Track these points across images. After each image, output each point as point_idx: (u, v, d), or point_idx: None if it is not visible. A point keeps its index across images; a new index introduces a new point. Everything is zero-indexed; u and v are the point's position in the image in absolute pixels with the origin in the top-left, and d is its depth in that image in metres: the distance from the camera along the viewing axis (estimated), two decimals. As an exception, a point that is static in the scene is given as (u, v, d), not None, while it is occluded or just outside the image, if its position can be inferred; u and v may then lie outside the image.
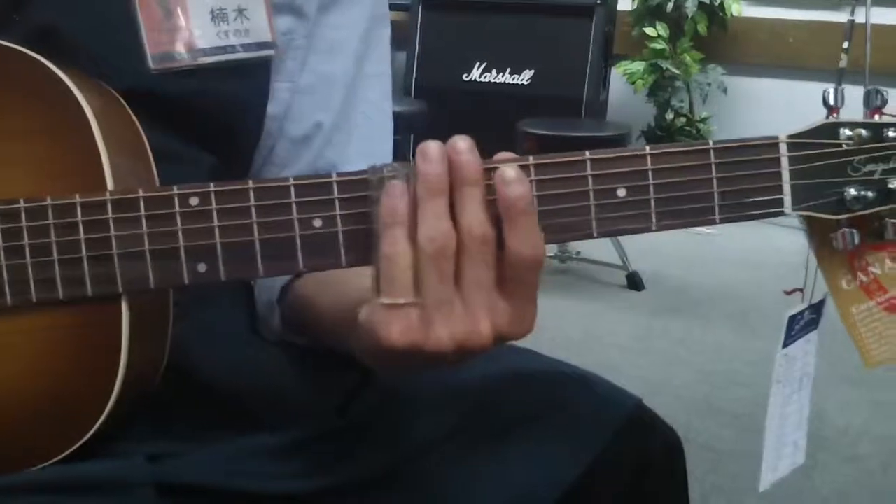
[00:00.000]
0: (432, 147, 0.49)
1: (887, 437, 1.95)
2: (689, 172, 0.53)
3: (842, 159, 0.55)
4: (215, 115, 0.66)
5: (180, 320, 0.60)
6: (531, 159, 0.51)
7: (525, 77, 3.43)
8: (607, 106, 3.55)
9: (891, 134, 0.56)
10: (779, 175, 0.54)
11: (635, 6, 3.51)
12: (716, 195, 0.53)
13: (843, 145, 0.55)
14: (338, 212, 0.52)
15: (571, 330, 2.55)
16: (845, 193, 0.55)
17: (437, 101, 3.14)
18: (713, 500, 1.70)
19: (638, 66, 3.42)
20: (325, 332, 0.65)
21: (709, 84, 3.43)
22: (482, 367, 0.70)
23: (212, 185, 0.53)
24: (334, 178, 0.52)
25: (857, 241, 0.57)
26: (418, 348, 0.48)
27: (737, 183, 0.53)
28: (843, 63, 3.26)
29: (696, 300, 2.78)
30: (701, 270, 3.07)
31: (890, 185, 0.56)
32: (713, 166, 0.53)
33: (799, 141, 0.54)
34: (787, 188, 0.54)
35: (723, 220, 0.54)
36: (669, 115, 3.54)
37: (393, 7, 3.22)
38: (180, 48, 0.63)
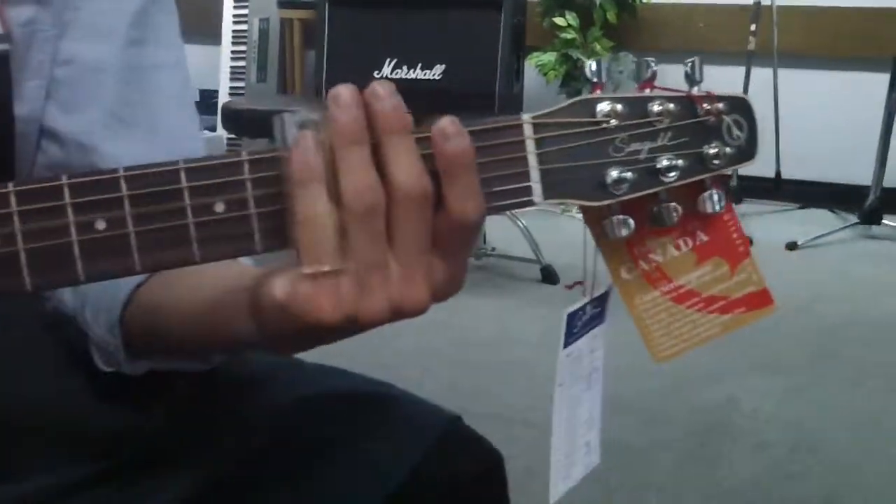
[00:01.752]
0: (345, 91, 0.43)
1: (795, 422, 1.92)
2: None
3: (600, 139, 0.49)
4: None
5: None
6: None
7: (436, 72, 3.36)
8: (522, 99, 3.50)
9: (656, 108, 0.50)
10: (524, 160, 0.47)
11: (544, -3, 3.47)
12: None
13: (602, 123, 0.49)
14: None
15: (485, 328, 2.50)
16: (606, 176, 0.49)
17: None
18: (616, 498, 1.66)
19: (549, 56, 3.38)
20: (186, 338, 0.57)
21: (620, 72, 3.40)
22: (287, 389, 0.65)
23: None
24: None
25: (630, 227, 0.51)
26: (353, 319, 0.43)
27: (481, 171, 0.47)
28: (752, 46, 3.26)
29: (608, 292, 2.75)
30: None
31: (658, 165, 0.50)
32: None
33: (547, 121, 0.48)
34: (535, 175, 0.47)
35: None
36: (585, 105, 3.51)
37: (300, 5, 3.14)
38: None
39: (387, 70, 3.40)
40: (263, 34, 4.00)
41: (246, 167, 0.44)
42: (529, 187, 0.47)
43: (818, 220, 3.44)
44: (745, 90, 3.29)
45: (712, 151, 0.51)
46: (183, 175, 0.44)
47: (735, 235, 0.56)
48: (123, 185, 0.44)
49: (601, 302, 0.58)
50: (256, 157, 0.45)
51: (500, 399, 2.02)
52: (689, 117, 0.51)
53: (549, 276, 2.80)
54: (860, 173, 3.33)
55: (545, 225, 3.28)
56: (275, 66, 3.99)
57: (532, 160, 0.47)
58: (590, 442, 0.61)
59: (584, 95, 0.49)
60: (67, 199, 0.43)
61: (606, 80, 0.52)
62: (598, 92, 0.50)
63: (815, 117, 3.53)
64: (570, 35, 3.36)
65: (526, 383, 2.03)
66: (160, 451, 0.62)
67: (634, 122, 0.50)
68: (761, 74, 3.32)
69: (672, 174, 0.50)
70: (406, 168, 0.43)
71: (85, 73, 0.65)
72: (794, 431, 1.88)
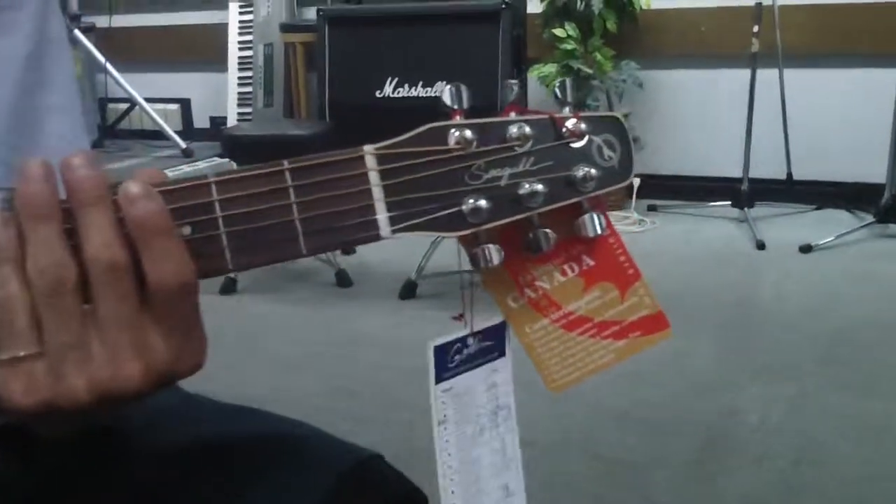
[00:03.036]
0: (32, 165, 0.41)
1: (800, 433, 1.87)
2: (264, 199, 0.45)
3: (454, 167, 0.47)
4: None
5: None
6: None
7: (438, 89, 3.36)
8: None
9: (514, 132, 0.48)
10: (369, 193, 0.45)
11: (543, 8, 3.45)
12: (298, 223, 0.45)
13: (454, 151, 0.47)
14: None
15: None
16: (463, 205, 0.47)
17: (352, 121, 3.07)
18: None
19: (550, 68, 3.36)
20: None
21: (623, 80, 3.37)
22: (183, 432, 0.63)
23: None
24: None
25: (500, 256, 0.49)
26: (50, 405, 0.40)
27: (321, 207, 0.45)
28: (755, 47, 3.21)
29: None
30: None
31: (520, 192, 0.48)
32: (291, 190, 0.45)
33: (393, 151, 0.46)
34: (380, 207, 0.45)
35: (311, 252, 0.46)
36: (590, 115, 3.47)
37: (302, 28, 3.16)
38: None
39: (388, 89, 3.41)
40: (268, 59, 4.03)
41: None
42: (375, 221, 0.45)
43: (834, 221, 3.37)
44: (752, 92, 3.23)
45: (580, 174, 0.48)
46: None
47: (623, 259, 0.54)
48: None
49: (493, 335, 0.56)
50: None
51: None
52: (552, 140, 0.49)
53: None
54: (875, 171, 3.26)
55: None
56: (281, 91, 4.01)
57: (377, 192, 0.45)
58: (508, 485, 0.58)
59: (435, 123, 0.47)
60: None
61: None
62: (458, 118, 0.48)
63: (825, 116, 3.46)
64: (570, 45, 3.34)
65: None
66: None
67: (492, 147, 0.47)
68: (767, 75, 3.27)
69: (536, 200, 0.48)
70: (94, 239, 0.40)
71: None
72: (799, 442, 1.82)
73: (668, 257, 3.08)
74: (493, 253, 0.49)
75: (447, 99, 0.49)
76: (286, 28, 3.86)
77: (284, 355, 2.41)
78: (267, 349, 2.47)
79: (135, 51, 4.50)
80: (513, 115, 0.49)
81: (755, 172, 3.32)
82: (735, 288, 2.79)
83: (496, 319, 0.55)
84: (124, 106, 4.36)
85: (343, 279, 2.83)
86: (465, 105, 0.49)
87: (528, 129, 0.48)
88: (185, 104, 4.62)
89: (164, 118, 4.31)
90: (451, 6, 3.32)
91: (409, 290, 2.72)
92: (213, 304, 2.69)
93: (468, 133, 0.47)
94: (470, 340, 0.54)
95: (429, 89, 3.37)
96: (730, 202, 3.39)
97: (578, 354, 0.55)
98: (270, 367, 2.34)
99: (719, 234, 3.32)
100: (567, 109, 0.50)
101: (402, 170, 0.46)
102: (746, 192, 3.32)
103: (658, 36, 3.56)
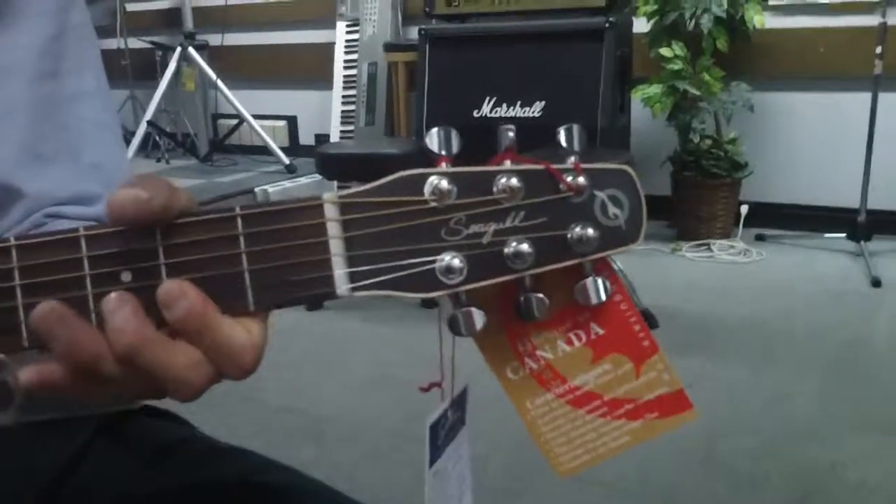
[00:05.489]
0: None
1: (908, 494, 1.70)
2: (212, 247, 0.41)
3: (428, 220, 0.41)
4: None
5: None
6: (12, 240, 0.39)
7: (536, 109, 3.30)
8: (629, 133, 3.37)
9: (501, 183, 0.42)
10: (325, 246, 0.40)
11: (650, 26, 3.33)
12: (246, 276, 0.40)
13: (430, 202, 0.41)
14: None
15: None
16: (436, 263, 0.41)
17: (449, 140, 3.04)
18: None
19: (655, 88, 3.23)
20: None
21: (733, 102, 3.21)
22: (170, 474, 0.61)
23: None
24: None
25: (480, 323, 0.43)
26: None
27: (273, 258, 0.40)
28: (878, 69, 3.00)
29: (714, 336, 2.56)
30: (725, 302, 2.84)
31: (506, 250, 0.42)
32: (241, 238, 0.41)
33: (358, 200, 0.41)
34: (338, 261, 0.40)
35: (259, 307, 0.41)
36: (695, 139, 3.33)
37: (404, 48, 3.16)
38: None
39: (486, 109, 3.37)
40: (371, 78, 4.06)
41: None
42: (330, 277, 0.40)
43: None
44: (872, 117, 3.02)
45: (576, 234, 0.42)
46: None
47: (637, 328, 0.47)
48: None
49: (461, 404, 0.50)
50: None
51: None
52: (547, 193, 0.42)
53: (647, 320, 2.63)
54: None
55: (644, 264, 3.13)
56: (382, 110, 4.04)
57: (335, 246, 0.40)
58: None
59: (411, 171, 0.42)
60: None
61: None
62: (443, 165, 0.43)
63: (958, 144, 3.20)
64: (677, 65, 3.21)
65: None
66: None
67: (474, 200, 0.42)
68: (890, 99, 3.05)
69: (523, 261, 0.42)
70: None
71: None
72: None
73: (775, 291, 2.90)
74: (476, 317, 0.43)
75: (432, 143, 0.43)
76: (390, 47, 3.88)
77: (361, 375, 2.39)
78: (345, 368, 2.46)
79: (245, 68, 4.63)
80: (508, 164, 0.44)
81: (874, 203, 3.10)
82: (846, 328, 2.60)
83: (461, 384, 0.50)
84: (234, 121, 4.49)
85: (429, 300, 2.78)
86: (454, 151, 0.43)
87: (516, 181, 0.42)
88: (292, 121, 4.72)
89: (271, 134, 4.41)
90: (554, 25, 3.25)
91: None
92: (300, 321, 2.71)
93: (444, 183, 0.41)
94: (449, 413, 0.48)
95: (527, 109, 3.31)
96: (845, 234, 3.17)
97: (588, 435, 0.48)
98: (346, 387, 2.32)
99: (832, 269, 3.11)
100: (572, 159, 0.44)
101: (367, 221, 0.41)
102: (864, 224, 3.10)
103: (772, 56, 3.38)
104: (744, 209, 3.38)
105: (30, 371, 0.39)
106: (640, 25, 3.37)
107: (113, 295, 0.39)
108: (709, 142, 3.33)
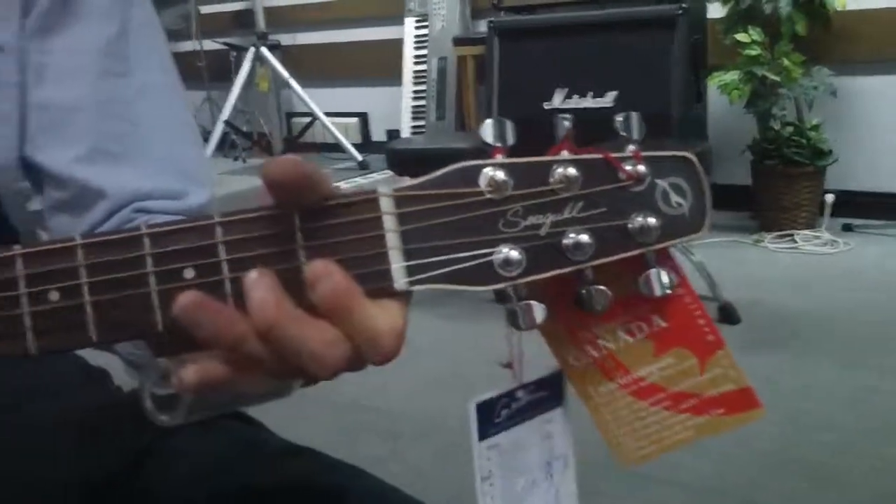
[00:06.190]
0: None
1: None
2: (271, 242, 0.41)
3: (485, 211, 0.41)
4: None
5: None
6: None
7: (609, 99, 3.24)
8: (706, 121, 3.29)
9: (558, 173, 0.41)
10: (382, 239, 0.40)
11: (726, 12, 3.24)
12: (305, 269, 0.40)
13: (486, 194, 0.41)
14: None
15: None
16: (494, 255, 0.41)
17: (520, 133, 3.03)
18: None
19: (732, 75, 3.15)
20: None
21: (815, 88, 3.10)
22: (235, 474, 0.62)
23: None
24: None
25: (541, 316, 0.42)
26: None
27: (331, 252, 0.40)
28: (971, 49, 2.86)
29: (798, 331, 2.48)
30: (811, 295, 2.74)
31: (565, 242, 0.41)
32: (298, 233, 0.41)
33: (414, 194, 0.41)
34: (395, 255, 0.40)
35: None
36: (776, 126, 3.23)
37: (473, 42, 3.16)
38: None
39: (557, 100, 3.33)
40: (441, 73, 4.06)
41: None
42: (388, 271, 0.40)
43: None
44: (965, 100, 2.88)
45: (638, 224, 0.41)
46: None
47: (702, 322, 0.45)
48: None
49: (548, 385, 0.49)
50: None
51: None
52: (605, 183, 0.41)
53: (728, 315, 2.57)
54: None
55: (725, 256, 3.05)
56: (453, 104, 4.04)
57: (392, 239, 0.40)
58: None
59: (466, 162, 0.41)
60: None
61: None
62: (499, 157, 0.42)
63: None
64: (754, 51, 3.11)
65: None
66: None
67: (532, 190, 0.41)
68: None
69: (583, 252, 0.41)
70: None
71: (62, 115, 0.64)
72: None
73: (862, 283, 2.79)
74: (535, 311, 0.42)
75: (486, 135, 0.43)
76: (459, 41, 3.88)
77: (432, 372, 2.40)
78: (416, 365, 2.47)
79: (317, 67, 4.69)
80: (564, 154, 0.43)
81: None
82: (936, 321, 2.49)
83: (550, 369, 0.49)
84: (307, 119, 4.55)
85: (502, 294, 2.77)
86: (509, 142, 0.43)
87: (573, 171, 0.41)
88: (363, 118, 4.76)
89: (344, 131, 4.46)
90: (624, 13, 3.19)
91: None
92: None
93: (500, 174, 0.40)
94: (519, 393, 0.48)
95: (599, 100, 3.26)
96: (937, 223, 3.03)
97: (652, 426, 0.47)
98: (415, 383, 2.33)
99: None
100: (631, 147, 0.43)
101: (423, 214, 0.40)
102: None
103: (855, 40, 3.25)
104: (829, 198, 3.26)
105: (191, 371, 0.39)
106: (715, 11, 3.29)
107: (253, 273, 0.39)
108: (790, 129, 3.22)
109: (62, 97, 0.64)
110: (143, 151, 0.65)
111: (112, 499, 0.62)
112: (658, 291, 0.43)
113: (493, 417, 0.47)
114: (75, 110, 0.64)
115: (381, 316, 0.40)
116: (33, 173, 0.65)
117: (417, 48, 4.17)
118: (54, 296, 0.41)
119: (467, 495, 0.48)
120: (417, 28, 4.18)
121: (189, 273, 0.41)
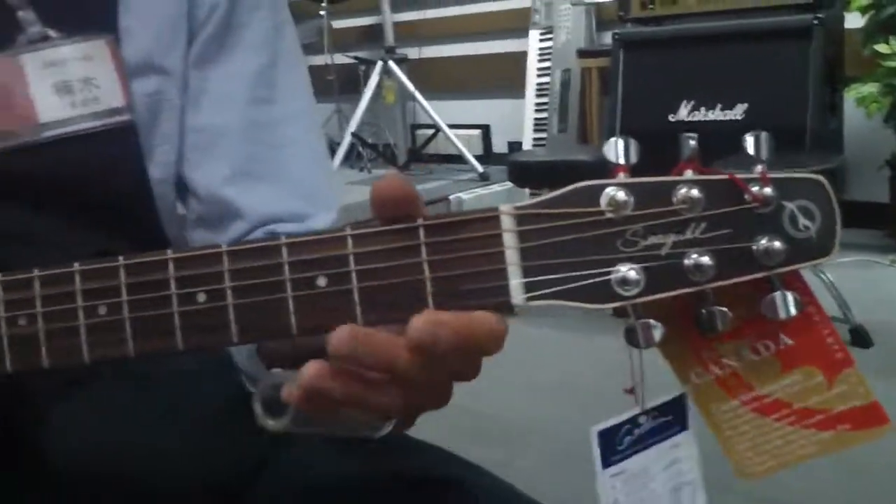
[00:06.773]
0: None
1: None
2: (397, 255, 0.43)
3: (605, 231, 0.41)
4: (73, 188, 0.64)
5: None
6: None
7: (738, 112, 3.15)
8: (842, 135, 3.15)
9: (681, 193, 0.41)
10: (501, 256, 0.42)
11: (865, 22, 3.10)
12: (428, 283, 0.42)
13: (606, 213, 0.42)
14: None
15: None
16: (612, 274, 0.41)
17: (644, 146, 2.99)
18: None
19: (870, 87, 3.00)
20: None
21: (963, 102, 2.92)
22: (346, 463, 0.64)
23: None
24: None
25: (659, 336, 0.43)
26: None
27: (452, 267, 0.42)
28: None
29: (936, 357, 2.34)
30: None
31: (685, 262, 0.41)
32: (422, 247, 0.43)
33: (534, 212, 0.42)
34: (514, 271, 0.41)
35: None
36: (918, 141, 3.06)
37: (597, 54, 3.14)
38: (20, 125, 0.63)
39: (683, 113, 3.26)
40: (565, 85, 4.05)
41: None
42: (506, 286, 0.41)
43: None
44: None
45: (763, 247, 0.41)
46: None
47: (831, 340, 0.45)
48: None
49: (671, 409, 0.49)
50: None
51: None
52: (730, 204, 0.41)
53: (860, 338, 2.45)
54: None
55: (858, 277, 2.90)
56: (575, 116, 4.02)
57: (511, 256, 0.41)
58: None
59: (588, 181, 0.42)
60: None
61: (633, 161, 0.44)
62: (621, 175, 0.43)
63: None
64: (895, 63, 2.96)
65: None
66: None
67: (653, 210, 0.41)
68: None
69: (704, 273, 0.41)
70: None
71: (214, 138, 0.69)
72: None
73: None
74: (654, 330, 0.43)
75: (609, 152, 0.43)
76: (583, 53, 3.86)
77: (547, 380, 2.39)
78: (531, 373, 2.47)
79: (441, 79, 4.76)
80: (689, 174, 0.43)
81: None
82: None
83: (672, 393, 0.49)
84: (431, 131, 4.63)
85: (621, 310, 2.73)
86: (632, 160, 0.43)
87: (696, 192, 0.41)
88: (485, 130, 4.80)
89: (466, 143, 4.50)
90: (756, 24, 3.10)
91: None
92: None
93: (621, 194, 0.41)
94: (642, 419, 0.48)
95: (728, 112, 3.17)
96: None
97: (775, 441, 0.47)
98: (531, 392, 2.33)
99: None
100: (758, 168, 0.43)
101: (543, 232, 0.41)
102: None
103: None
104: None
105: (291, 389, 0.42)
106: (853, 21, 3.14)
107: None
108: (934, 144, 3.05)
109: (215, 121, 0.69)
110: (279, 175, 0.69)
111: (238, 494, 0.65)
112: (782, 314, 0.42)
113: (615, 444, 0.47)
114: (225, 133, 0.69)
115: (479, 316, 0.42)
116: (182, 189, 0.70)
117: (541, 60, 4.17)
118: (201, 297, 0.44)
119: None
120: (542, 40, 4.19)
121: (322, 281, 0.44)
